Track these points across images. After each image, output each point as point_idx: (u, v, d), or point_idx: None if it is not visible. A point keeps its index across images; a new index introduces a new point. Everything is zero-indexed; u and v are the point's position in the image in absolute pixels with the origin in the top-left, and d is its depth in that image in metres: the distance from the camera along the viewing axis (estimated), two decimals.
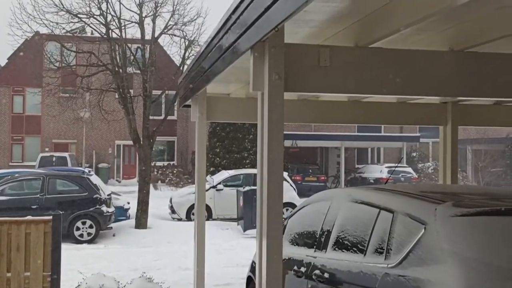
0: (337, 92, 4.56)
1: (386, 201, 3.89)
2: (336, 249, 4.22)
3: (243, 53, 3.94)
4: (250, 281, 5.91)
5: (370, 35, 4.04)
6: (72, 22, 15.68)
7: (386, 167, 25.90)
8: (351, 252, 3.98)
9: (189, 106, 7.75)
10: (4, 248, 7.15)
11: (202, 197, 7.54)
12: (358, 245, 3.90)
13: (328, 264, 4.20)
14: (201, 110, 7.12)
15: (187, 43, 16.59)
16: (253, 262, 5.48)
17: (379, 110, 7.22)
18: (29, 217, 7.47)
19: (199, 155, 7.49)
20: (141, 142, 15.22)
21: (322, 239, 4.45)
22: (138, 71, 16.55)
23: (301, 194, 18.26)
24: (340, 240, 4.21)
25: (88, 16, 15.38)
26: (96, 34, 15.95)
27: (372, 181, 24.91)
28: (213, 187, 17.17)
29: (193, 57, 12.02)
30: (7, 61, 34.06)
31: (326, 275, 4.14)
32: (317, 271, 4.25)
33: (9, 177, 14.36)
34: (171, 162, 33.87)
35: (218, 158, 25.15)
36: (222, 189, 17.26)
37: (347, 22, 3.91)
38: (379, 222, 3.75)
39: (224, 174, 18.70)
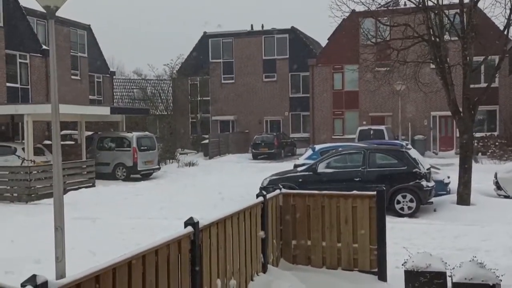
0: None
1: None
2: None
3: None
4: None
5: None
6: None
7: None
8: None
9: None
10: (334, 220, 7.66)
11: None
12: None
13: None
14: None
15: None
16: None
17: None
18: (354, 192, 7.81)
19: None
20: (461, 113, 14.38)
21: None
22: (456, 39, 15.60)
23: None
24: None
25: None
26: (411, 5, 15.62)
27: None
28: None
29: None
30: (327, 41, 36.59)
31: None
32: None
33: (333, 150, 15.40)
34: (493, 133, 31.32)
35: None
36: None
37: None
38: None
39: None
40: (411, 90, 26.79)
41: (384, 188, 7.61)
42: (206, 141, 34.74)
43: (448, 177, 15.42)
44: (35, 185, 16.94)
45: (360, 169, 13.64)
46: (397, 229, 10.65)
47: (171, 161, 28.83)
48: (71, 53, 33.76)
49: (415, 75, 16.41)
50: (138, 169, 22.29)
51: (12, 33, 26.85)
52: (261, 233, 7.11)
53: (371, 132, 27.75)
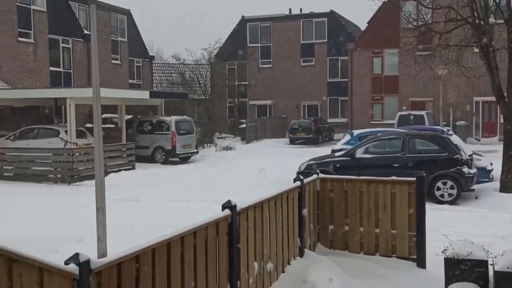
0: None
1: None
2: None
3: None
4: None
5: None
6: None
7: None
8: None
9: None
10: (372, 206, 7.59)
11: None
12: None
13: None
14: None
15: None
16: None
17: None
18: (393, 178, 7.71)
19: None
20: (506, 98, 13.95)
21: None
22: (502, 21, 15.08)
23: None
24: None
25: None
26: None
27: None
28: None
29: None
30: (367, 25, 35.98)
31: None
32: None
33: (372, 136, 15.21)
34: None
35: None
36: None
37: None
38: None
39: None
40: (453, 74, 26.16)
41: (424, 174, 7.48)
42: (244, 125, 34.85)
43: (491, 164, 15.03)
44: (77, 167, 17.37)
45: (399, 154, 13.43)
46: (436, 216, 10.46)
47: (209, 145, 29.07)
48: (112, 38, 34.27)
49: (458, 59, 15.96)
50: (177, 152, 22.56)
51: (55, 18, 27.43)
52: (304, 211, 7.13)
53: (411, 117, 27.24)
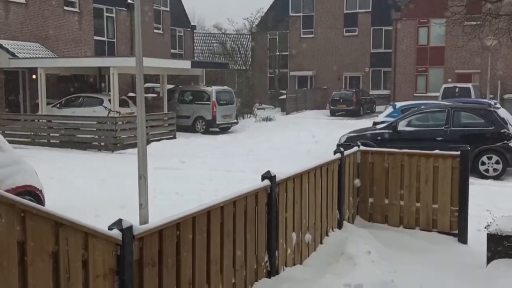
0: None
1: None
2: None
3: None
4: None
5: None
6: None
7: None
8: None
9: None
10: (413, 179, 7.47)
11: None
12: None
13: None
14: None
15: None
16: None
17: None
18: (436, 151, 7.55)
19: None
20: None
21: None
22: None
23: None
24: None
25: None
26: None
27: None
28: None
29: None
30: None
31: None
32: None
33: (416, 108, 14.89)
34: None
35: None
36: None
37: None
38: None
39: None
40: (503, 45, 25.21)
41: (469, 148, 7.29)
42: (284, 96, 34.69)
43: None
44: (120, 135, 17.73)
45: (443, 128, 13.13)
46: (480, 191, 10.23)
47: (248, 115, 29.12)
48: (154, 7, 34.42)
49: (509, 29, 15.36)
50: (217, 122, 22.70)
51: None
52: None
53: (457, 90, 26.47)
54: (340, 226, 7.13)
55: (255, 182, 5.08)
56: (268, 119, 27.81)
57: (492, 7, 14.93)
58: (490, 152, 12.60)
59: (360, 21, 39.27)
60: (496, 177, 12.47)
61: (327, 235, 6.77)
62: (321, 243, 6.56)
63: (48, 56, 23.24)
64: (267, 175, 5.13)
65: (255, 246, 5.01)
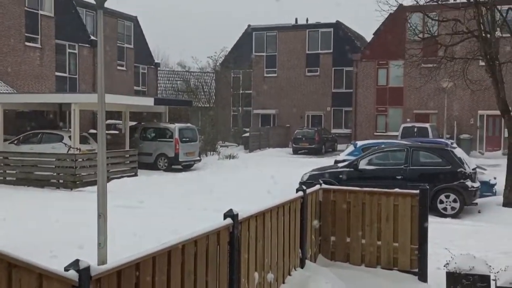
0: None
1: None
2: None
3: None
4: None
5: None
6: None
7: None
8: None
9: None
10: (375, 217, 7.55)
11: None
12: None
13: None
14: None
15: None
16: None
17: None
18: (396, 190, 7.67)
19: None
20: (510, 112, 13.93)
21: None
22: (508, 35, 15.11)
23: None
24: None
25: None
26: (462, 0, 15.19)
27: None
28: None
29: None
30: (372, 36, 36.04)
31: None
32: None
33: (376, 147, 15.18)
34: None
35: None
36: None
37: None
38: None
39: None
40: (458, 87, 26.15)
41: (428, 187, 7.44)
42: (247, 134, 34.86)
43: (495, 178, 14.97)
44: (80, 173, 17.38)
45: (402, 166, 13.40)
46: (439, 229, 10.39)
47: (212, 153, 29.07)
48: (118, 44, 34.42)
49: (463, 72, 15.97)
50: (180, 160, 22.55)
51: (62, 24, 27.57)
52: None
53: (415, 129, 27.21)
54: (302, 265, 7.10)
55: (217, 221, 5.04)
56: (231, 156, 27.82)
57: (447, 50, 15.54)
58: (447, 191, 12.88)
59: (322, 62, 40.18)
60: (454, 215, 12.73)
61: (290, 275, 6.72)
62: (283, 282, 6.50)
63: (7, 91, 22.80)
64: (229, 214, 5.10)
65: (217, 286, 4.93)
